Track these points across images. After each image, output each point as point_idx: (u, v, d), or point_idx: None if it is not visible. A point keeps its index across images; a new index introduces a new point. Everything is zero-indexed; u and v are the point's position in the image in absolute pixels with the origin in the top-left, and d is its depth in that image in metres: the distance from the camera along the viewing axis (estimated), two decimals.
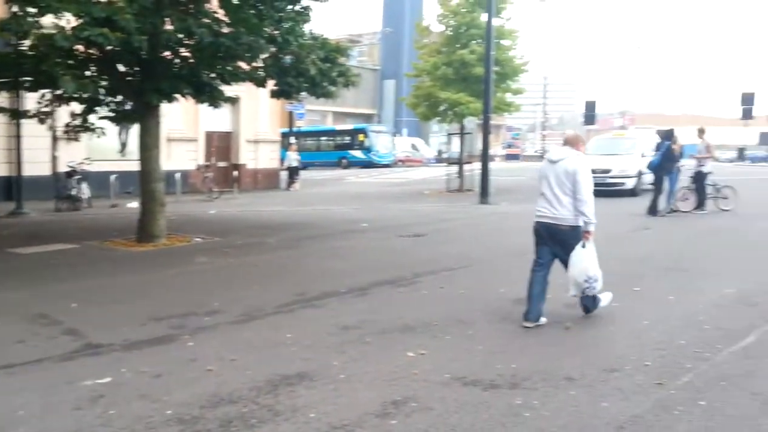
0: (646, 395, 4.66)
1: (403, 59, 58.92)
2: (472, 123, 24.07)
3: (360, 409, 4.44)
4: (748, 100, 44.75)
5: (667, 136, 15.61)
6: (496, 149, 63.96)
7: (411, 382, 4.94)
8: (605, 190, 17.51)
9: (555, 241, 6.49)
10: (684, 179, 16.07)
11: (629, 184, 19.87)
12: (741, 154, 54.06)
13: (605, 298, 6.76)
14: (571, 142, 6.61)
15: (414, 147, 53.94)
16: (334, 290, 8.01)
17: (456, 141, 25.78)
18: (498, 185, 21.66)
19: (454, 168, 24.27)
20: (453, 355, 5.57)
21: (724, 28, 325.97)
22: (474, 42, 23.06)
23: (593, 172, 6.79)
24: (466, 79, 22.79)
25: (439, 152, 52.99)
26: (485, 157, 19.57)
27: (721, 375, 5.08)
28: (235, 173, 25.49)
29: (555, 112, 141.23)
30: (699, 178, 15.80)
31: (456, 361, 5.41)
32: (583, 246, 6.34)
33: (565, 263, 6.48)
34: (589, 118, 48.01)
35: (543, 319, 6.46)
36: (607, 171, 19.37)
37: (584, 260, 6.32)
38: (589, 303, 6.67)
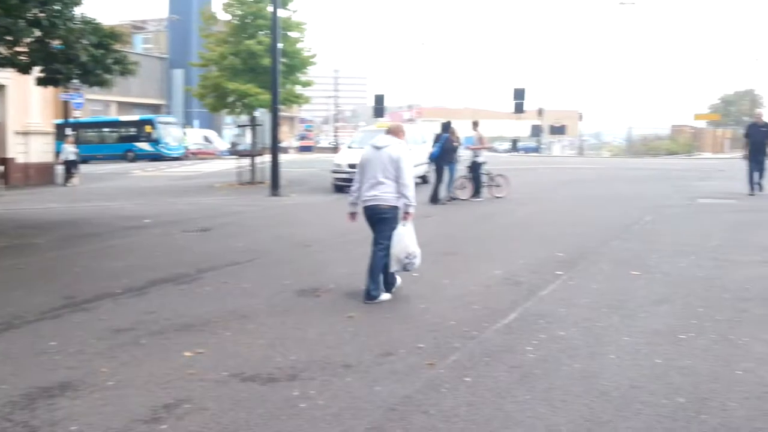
0: (417, 376, 4.86)
1: (191, 48, 56.72)
2: (265, 115, 23.80)
3: (127, 416, 4.19)
4: (519, 95, 48.52)
5: (445, 128, 16.51)
6: (291, 141, 64.00)
7: (186, 383, 4.76)
8: None
9: (377, 221, 7.01)
10: (462, 169, 17.09)
11: None
12: (514, 145, 58.63)
13: (385, 296, 7.07)
14: (393, 132, 7.24)
15: (206, 139, 52.42)
16: (108, 292, 7.51)
17: (251, 133, 25.36)
18: (290, 177, 21.68)
19: (247, 160, 23.89)
20: (232, 352, 5.45)
21: (498, 28, 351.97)
22: (261, 33, 22.77)
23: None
24: (255, 70, 22.49)
25: (233, 144, 51.95)
26: (275, 149, 19.48)
27: (486, 351, 5.43)
28: (1, 168, 23.17)
29: (348, 105, 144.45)
30: (475, 168, 16.88)
31: (235, 357, 5.30)
32: (404, 225, 6.94)
33: (378, 242, 7.02)
34: (379, 111, 49.33)
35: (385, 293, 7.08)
36: None
37: (405, 238, 6.92)
38: (374, 291, 6.97)
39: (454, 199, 16.45)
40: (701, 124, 58.76)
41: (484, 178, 17.04)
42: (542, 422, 4.13)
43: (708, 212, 14.16)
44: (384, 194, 6.91)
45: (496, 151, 57.66)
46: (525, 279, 8.03)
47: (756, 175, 16.71)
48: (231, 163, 28.26)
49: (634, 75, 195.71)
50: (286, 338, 5.81)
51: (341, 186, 18.33)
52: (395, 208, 6.96)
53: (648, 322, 6.24)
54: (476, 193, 16.79)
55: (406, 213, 6.95)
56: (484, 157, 17.25)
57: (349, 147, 21.49)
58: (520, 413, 4.25)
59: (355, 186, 7.27)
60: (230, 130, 60.27)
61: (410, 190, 6.89)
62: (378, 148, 7.04)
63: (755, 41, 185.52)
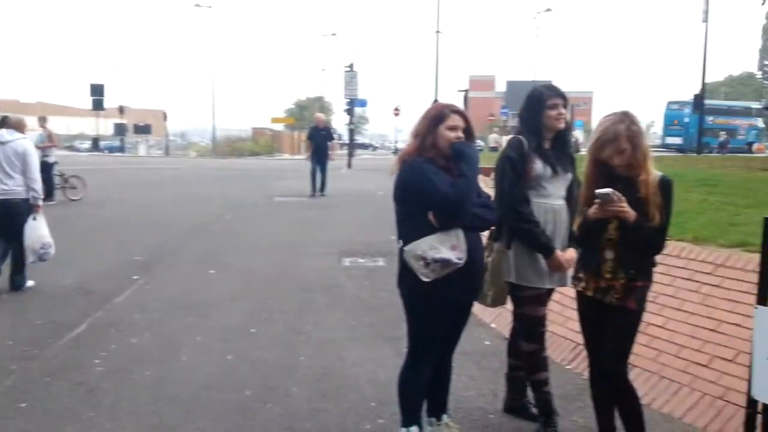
0: None
1: None
2: None
3: None
4: (97, 91, 46.12)
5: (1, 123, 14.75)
6: None
7: None
8: None
9: (7, 216, 7.07)
10: None
11: None
12: (96, 144, 55.47)
13: (30, 282, 7.40)
14: (15, 126, 7.41)
15: None
16: None
17: None
18: None
19: None
20: None
21: (73, 20, 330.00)
22: None
23: None
24: None
25: None
26: None
27: (48, 371, 4.95)
28: None
29: None
30: (45, 169, 15.40)
31: None
32: (35, 218, 7.18)
33: (10, 238, 7.15)
34: None
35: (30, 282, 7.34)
36: None
37: (39, 229, 7.20)
38: (19, 281, 7.27)
39: None
40: (279, 127, 62.81)
41: (56, 180, 15.73)
42: None
43: (282, 210, 15.16)
44: (14, 188, 7.12)
45: (77, 150, 54.10)
46: (98, 286, 7.58)
47: (319, 176, 18.14)
48: None
49: (217, 76, 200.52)
50: None
51: None
52: (26, 200, 7.17)
53: (222, 320, 6.38)
54: (48, 195, 15.35)
55: (36, 206, 7.20)
56: (55, 156, 15.91)
57: None
58: None
59: None
60: None
61: (38, 184, 7.24)
62: (3, 143, 7.19)
63: (322, 52, 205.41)
